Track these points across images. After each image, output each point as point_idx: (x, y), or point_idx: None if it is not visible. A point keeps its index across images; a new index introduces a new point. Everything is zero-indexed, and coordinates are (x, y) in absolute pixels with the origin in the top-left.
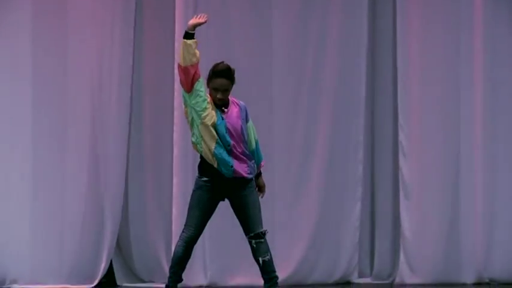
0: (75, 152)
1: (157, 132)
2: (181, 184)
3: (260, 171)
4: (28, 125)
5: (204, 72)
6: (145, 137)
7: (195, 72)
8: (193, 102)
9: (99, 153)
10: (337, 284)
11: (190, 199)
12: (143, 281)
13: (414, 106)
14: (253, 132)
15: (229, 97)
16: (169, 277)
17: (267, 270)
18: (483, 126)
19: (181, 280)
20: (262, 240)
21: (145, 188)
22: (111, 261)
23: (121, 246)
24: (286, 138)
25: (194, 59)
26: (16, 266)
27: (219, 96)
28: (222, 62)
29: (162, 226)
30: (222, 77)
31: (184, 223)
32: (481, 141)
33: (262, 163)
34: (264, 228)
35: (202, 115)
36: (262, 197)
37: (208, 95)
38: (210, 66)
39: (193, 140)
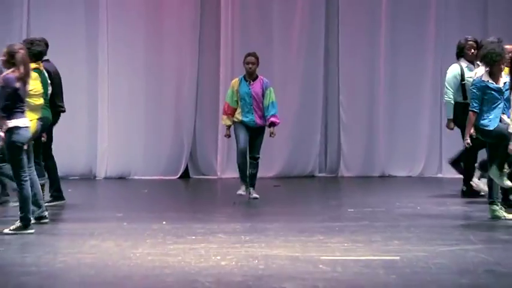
0: (169, 106)
1: (209, 99)
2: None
3: (272, 121)
4: (142, 93)
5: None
6: (202, 99)
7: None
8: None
9: (181, 109)
10: (307, 176)
11: (235, 132)
12: (203, 174)
13: (350, 89)
14: (270, 96)
15: (260, 76)
16: (240, 173)
17: (252, 179)
18: (387, 90)
19: (246, 176)
20: (255, 162)
21: (203, 125)
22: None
23: (192, 153)
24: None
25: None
26: (135, 163)
27: (249, 66)
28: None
29: (212, 144)
30: (251, 56)
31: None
32: (384, 99)
33: (276, 119)
34: (259, 155)
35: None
36: (273, 136)
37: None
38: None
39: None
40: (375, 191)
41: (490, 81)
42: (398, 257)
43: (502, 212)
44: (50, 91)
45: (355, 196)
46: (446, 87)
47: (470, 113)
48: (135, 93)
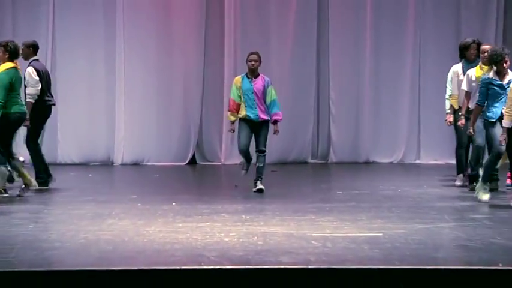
0: (178, 100)
1: (214, 93)
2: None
3: (275, 119)
4: (155, 89)
5: (243, 56)
6: (208, 93)
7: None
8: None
9: (189, 102)
10: (301, 162)
11: (238, 130)
12: (209, 161)
13: (339, 85)
14: (271, 94)
15: (261, 74)
16: (244, 167)
17: (259, 172)
18: (372, 85)
19: (250, 159)
20: (262, 154)
21: (209, 117)
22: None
23: (198, 141)
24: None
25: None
26: (148, 151)
27: (252, 63)
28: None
29: (217, 133)
30: (253, 54)
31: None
32: (369, 94)
33: (279, 117)
34: (265, 149)
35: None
36: (277, 134)
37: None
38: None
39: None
40: (360, 176)
41: (495, 78)
42: (381, 234)
43: (483, 194)
44: (39, 87)
45: (343, 180)
46: (447, 86)
47: (476, 105)
48: (148, 88)
